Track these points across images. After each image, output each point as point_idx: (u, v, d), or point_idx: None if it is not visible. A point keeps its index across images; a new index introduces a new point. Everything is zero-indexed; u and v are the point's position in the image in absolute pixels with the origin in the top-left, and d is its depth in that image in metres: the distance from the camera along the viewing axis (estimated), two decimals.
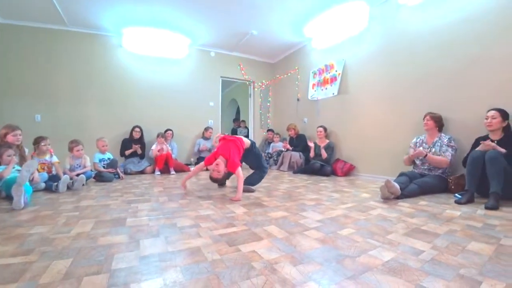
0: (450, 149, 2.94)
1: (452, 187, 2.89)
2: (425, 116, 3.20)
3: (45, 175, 3.17)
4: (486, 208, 2.20)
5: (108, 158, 4.22)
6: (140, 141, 5.14)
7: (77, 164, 3.69)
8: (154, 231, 1.65)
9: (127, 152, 4.95)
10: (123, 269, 1.13)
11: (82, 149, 3.70)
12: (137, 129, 5.10)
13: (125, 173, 4.70)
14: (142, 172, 4.90)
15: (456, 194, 2.63)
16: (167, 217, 1.97)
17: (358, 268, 1.15)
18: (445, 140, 3.01)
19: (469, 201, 2.42)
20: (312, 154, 4.88)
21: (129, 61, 5.43)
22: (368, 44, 4.39)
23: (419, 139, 3.27)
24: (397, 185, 2.54)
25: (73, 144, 3.64)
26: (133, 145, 4.96)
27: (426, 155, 2.96)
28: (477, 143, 2.71)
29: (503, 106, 2.65)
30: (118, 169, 4.27)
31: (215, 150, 3.06)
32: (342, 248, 1.38)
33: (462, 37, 3.16)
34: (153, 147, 5.03)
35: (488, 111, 2.67)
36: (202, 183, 3.71)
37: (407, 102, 3.77)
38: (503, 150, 2.40)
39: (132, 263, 1.19)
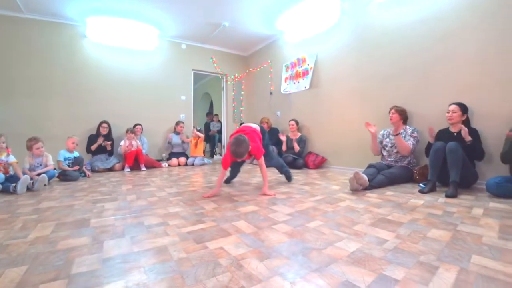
0: (412, 139, 3.10)
1: (417, 177, 3.06)
2: (390, 110, 3.34)
3: (2, 176, 2.95)
4: (446, 196, 2.36)
5: (74, 157, 4.01)
6: (108, 137, 4.92)
7: (38, 163, 3.46)
8: (119, 231, 1.59)
9: (93, 147, 4.72)
10: (84, 274, 1.07)
11: (42, 147, 3.47)
12: (105, 125, 4.87)
13: (93, 170, 4.50)
14: (110, 169, 4.71)
15: (420, 184, 2.78)
16: (135, 216, 1.91)
17: (324, 260, 1.18)
18: (409, 131, 3.17)
19: (432, 190, 2.58)
20: (284, 147, 4.93)
21: (94, 52, 5.14)
22: (339, 38, 4.47)
23: (386, 131, 3.41)
24: (365, 177, 2.63)
25: (32, 142, 3.40)
26: (99, 137, 4.73)
27: (398, 134, 3.08)
28: (438, 135, 2.88)
29: (462, 101, 2.83)
30: (84, 167, 4.08)
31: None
32: (309, 241, 1.41)
33: (427, 36, 3.30)
34: (122, 143, 4.84)
35: (450, 105, 2.83)
36: (173, 179, 3.63)
37: (376, 97, 3.91)
38: (469, 138, 2.57)
39: (94, 267, 1.13)
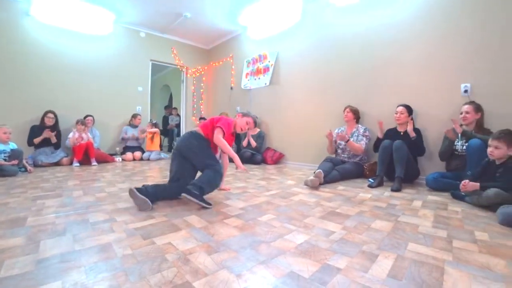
0: (364, 139, 3.30)
1: (367, 172, 3.26)
2: (345, 109, 3.53)
3: None
4: (392, 190, 2.55)
5: (11, 149, 3.60)
6: (55, 128, 4.50)
7: None
8: (60, 229, 1.47)
9: (36, 141, 4.27)
10: (14, 277, 0.98)
11: None
12: (51, 115, 4.44)
13: (35, 165, 4.09)
14: (57, 164, 4.32)
15: (370, 179, 2.97)
16: (79, 212, 1.78)
17: (272, 253, 1.20)
18: (361, 131, 3.37)
19: (379, 184, 2.77)
20: (245, 143, 4.93)
21: (39, 33, 4.62)
22: (300, 38, 4.56)
23: (340, 130, 3.57)
24: (322, 174, 2.76)
25: None
26: (45, 130, 4.31)
27: (348, 140, 3.24)
28: (387, 133, 3.10)
29: (408, 102, 3.07)
30: (24, 161, 3.69)
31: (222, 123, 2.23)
32: (259, 234, 1.42)
33: (377, 41, 3.52)
34: (71, 135, 4.46)
35: (398, 106, 3.05)
36: (126, 174, 3.45)
37: (331, 96, 4.07)
38: (413, 134, 2.81)
39: (27, 268, 1.04)
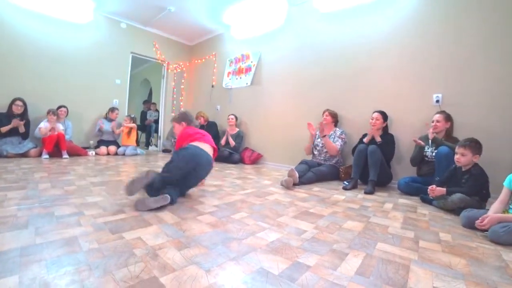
0: (340, 140, 3.38)
1: (342, 175, 3.33)
2: (324, 112, 3.60)
3: None
4: (365, 193, 2.63)
5: None
6: (23, 117, 4.24)
7: None
8: (21, 222, 1.39)
9: (3, 129, 4.02)
10: None
11: None
12: (19, 103, 4.18)
13: (0, 156, 3.85)
14: (23, 155, 4.09)
15: (345, 182, 3.03)
16: (44, 205, 1.69)
17: (243, 250, 1.20)
18: (338, 133, 3.45)
19: (354, 187, 2.85)
20: (223, 142, 4.89)
21: (11, 15, 4.32)
22: (283, 40, 4.61)
23: (317, 132, 3.61)
24: (297, 174, 2.79)
25: None
26: (13, 120, 4.06)
27: (325, 135, 3.30)
28: (363, 137, 3.16)
29: (383, 108, 3.17)
30: None
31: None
32: (232, 231, 1.41)
33: (357, 48, 3.63)
34: (41, 125, 4.24)
35: (373, 112, 3.14)
36: (99, 168, 3.32)
37: (311, 99, 4.14)
38: (379, 139, 2.93)
39: None
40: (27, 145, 4.21)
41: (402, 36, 3.22)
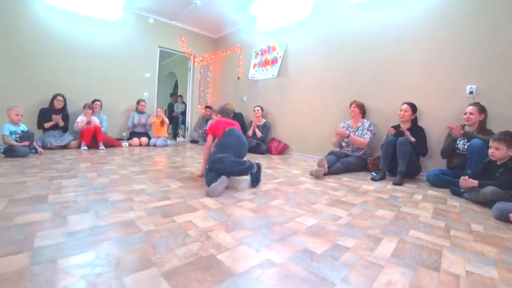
0: (369, 133, 3.38)
1: (370, 166, 3.36)
2: (351, 104, 3.60)
3: None
4: (394, 184, 2.66)
5: (22, 131, 3.67)
6: (63, 112, 4.56)
7: None
8: (82, 206, 1.56)
9: (47, 125, 4.35)
10: (48, 246, 1.05)
11: None
12: (60, 98, 4.49)
13: (44, 147, 4.17)
14: (65, 147, 4.41)
15: (372, 173, 3.07)
16: (97, 192, 1.87)
17: (285, 233, 1.31)
18: (366, 125, 3.45)
19: (382, 178, 2.87)
20: (250, 132, 5.02)
21: (49, 15, 4.60)
22: (310, 31, 4.58)
23: (345, 123, 3.66)
24: (326, 164, 2.86)
25: None
26: (53, 116, 4.38)
27: (349, 135, 3.34)
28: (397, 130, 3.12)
29: (412, 100, 3.13)
30: (35, 142, 3.77)
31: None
32: (272, 217, 1.53)
33: (387, 38, 3.55)
34: (79, 119, 4.54)
35: (402, 104, 3.11)
36: (135, 159, 3.54)
37: (338, 90, 4.13)
38: (412, 139, 2.89)
39: (59, 240, 1.12)
40: (68, 137, 4.52)
41: (434, 25, 3.13)
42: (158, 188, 2.04)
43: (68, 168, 2.71)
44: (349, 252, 1.14)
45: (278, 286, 0.88)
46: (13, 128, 3.57)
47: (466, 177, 2.15)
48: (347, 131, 3.39)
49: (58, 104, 4.48)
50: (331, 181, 2.69)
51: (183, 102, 7.48)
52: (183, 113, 7.28)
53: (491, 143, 2.11)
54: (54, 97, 4.48)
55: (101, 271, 0.91)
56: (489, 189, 1.99)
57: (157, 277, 0.89)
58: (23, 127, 3.72)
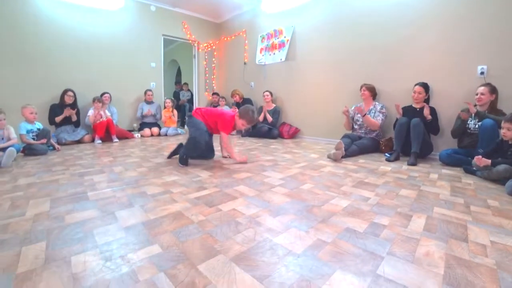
0: (381, 115, 3.47)
1: (383, 147, 3.46)
2: (361, 87, 3.65)
3: None
4: (408, 164, 2.77)
5: (38, 128, 3.73)
6: (74, 106, 4.59)
7: None
8: (125, 201, 1.61)
9: (58, 119, 4.38)
10: (111, 242, 1.12)
11: (4, 119, 3.15)
12: (70, 93, 4.51)
13: (59, 143, 4.23)
14: (79, 141, 4.48)
15: (386, 154, 3.17)
16: (133, 186, 1.93)
17: (325, 214, 1.45)
18: (378, 108, 3.53)
19: (396, 159, 3.00)
20: (261, 118, 5.09)
21: (50, 8, 4.53)
22: (318, 13, 4.53)
23: (359, 104, 3.68)
24: (343, 147, 2.97)
25: None
26: (65, 109, 4.40)
27: (365, 114, 3.44)
28: (403, 111, 3.20)
29: (424, 80, 3.18)
30: (51, 139, 3.84)
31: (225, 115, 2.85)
32: (308, 200, 1.67)
33: (398, 19, 3.53)
34: (89, 113, 4.59)
35: (415, 85, 3.17)
36: (154, 149, 3.64)
37: (347, 72, 4.15)
38: (430, 117, 2.97)
39: (118, 235, 1.18)
40: (81, 132, 4.57)
41: (445, 5, 3.12)
42: (190, 179, 2.15)
43: (92, 164, 2.75)
44: (386, 229, 1.28)
45: (335, 261, 1.01)
46: (29, 126, 3.62)
47: (480, 156, 2.25)
48: (364, 110, 3.46)
49: (68, 100, 4.50)
50: (349, 163, 2.81)
51: (189, 90, 7.48)
52: (190, 101, 7.31)
53: (503, 124, 2.19)
54: (65, 92, 4.49)
55: (174, 262, 0.98)
56: (502, 167, 2.09)
57: (228, 263, 0.99)
58: (38, 125, 3.78)
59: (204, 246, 1.11)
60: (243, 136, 5.13)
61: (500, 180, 2.12)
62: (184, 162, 2.66)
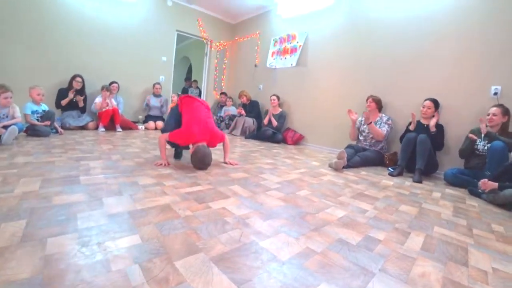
0: (386, 126, 3.41)
1: (387, 161, 3.38)
2: (367, 99, 3.59)
3: None
4: (413, 181, 2.69)
5: (43, 110, 3.74)
6: (82, 93, 4.61)
7: (3, 114, 3.14)
8: (115, 189, 1.60)
9: (64, 102, 4.39)
10: (92, 228, 1.09)
11: (11, 97, 3.20)
12: (79, 79, 4.52)
13: (63, 127, 4.24)
14: (83, 127, 4.49)
15: (390, 168, 3.10)
16: (126, 175, 1.92)
17: (319, 223, 1.38)
18: (384, 119, 3.46)
19: (400, 174, 2.91)
20: (266, 121, 5.04)
21: None
22: (332, 21, 4.50)
23: (363, 118, 3.64)
24: (346, 157, 2.90)
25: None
26: (70, 92, 4.41)
27: (370, 122, 3.36)
28: (409, 125, 3.13)
29: (435, 96, 3.10)
30: (55, 122, 3.84)
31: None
32: (302, 206, 1.60)
33: (413, 32, 3.47)
34: (97, 100, 4.60)
35: (425, 100, 3.09)
36: (154, 142, 3.61)
37: (356, 82, 4.10)
38: (434, 129, 2.90)
39: (101, 222, 1.15)
40: (86, 118, 4.59)
41: (462, 21, 3.05)
42: (185, 174, 2.11)
43: (91, 149, 2.76)
44: (381, 244, 1.20)
45: (323, 273, 0.94)
46: (35, 107, 3.64)
47: (486, 180, 2.17)
48: (368, 120, 3.40)
49: (76, 85, 4.52)
50: (350, 174, 2.74)
51: (197, 87, 7.49)
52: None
53: None
54: (73, 77, 4.51)
55: (151, 255, 0.94)
56: (509, 191, 2.01)
57: (207, 262, 0.93)
58: (44, 106, 3.79)
59: (185, 242, 1.06)
60: (246, 137, 5.08)
61: (506, 205, 2.03)
62: (178, 156, 2.73)
